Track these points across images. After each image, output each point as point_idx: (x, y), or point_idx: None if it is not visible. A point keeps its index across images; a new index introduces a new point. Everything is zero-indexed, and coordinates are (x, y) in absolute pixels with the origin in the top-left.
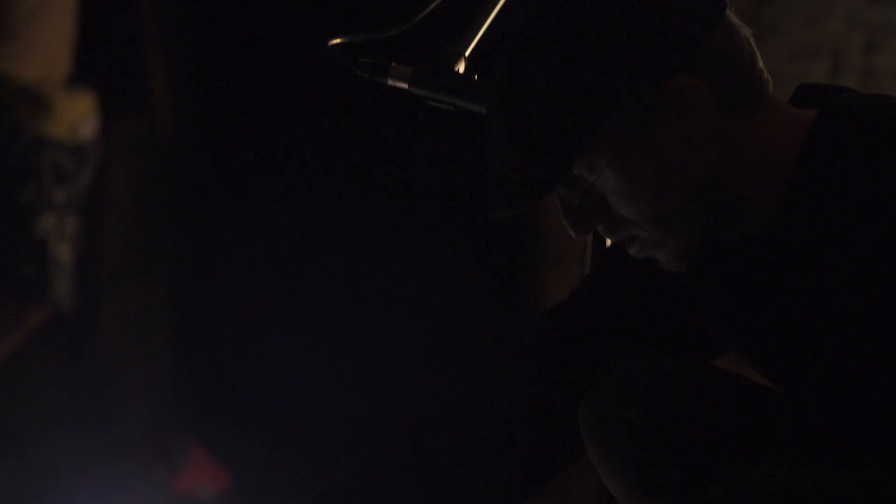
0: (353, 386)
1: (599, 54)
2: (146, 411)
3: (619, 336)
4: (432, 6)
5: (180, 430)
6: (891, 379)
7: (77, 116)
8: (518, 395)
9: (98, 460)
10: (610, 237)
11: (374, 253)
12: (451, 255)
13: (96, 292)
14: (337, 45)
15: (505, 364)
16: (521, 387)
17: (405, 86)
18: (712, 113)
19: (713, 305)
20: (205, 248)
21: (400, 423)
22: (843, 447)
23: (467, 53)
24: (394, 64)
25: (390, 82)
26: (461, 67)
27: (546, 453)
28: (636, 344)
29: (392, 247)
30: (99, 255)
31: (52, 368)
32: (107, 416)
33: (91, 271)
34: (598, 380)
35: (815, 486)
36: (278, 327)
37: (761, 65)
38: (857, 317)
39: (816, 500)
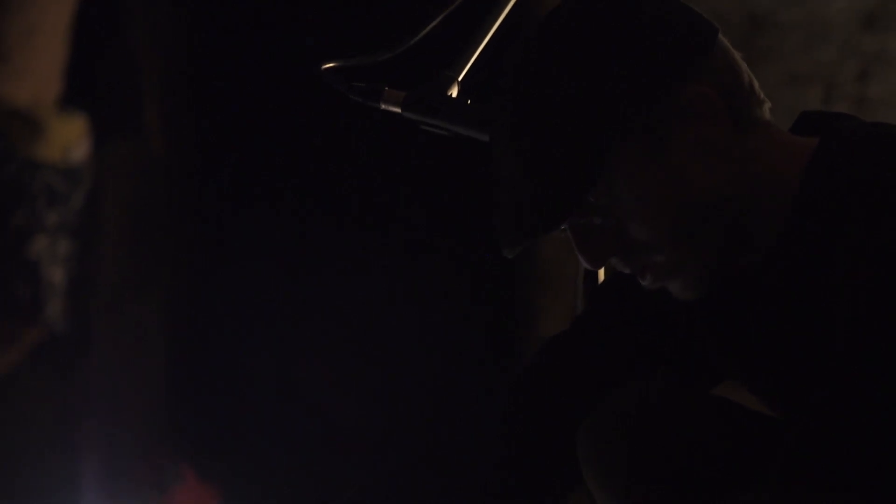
0: (348, 411)
1: (612, 70)
2: (138, 432)
3: (619, 366)
4: (426, 30)
5: (172, 450)
6: (892, 407)
7: (69, 138)
8: (518, 424)
9: (89, 481)
10: (625, 268)
11: (368, 276)
12: (445, 278)
13: (89, 314)
14: (330, 68)
15: (505, 394)
16: (521, 416)
17: (398, 110)
18: (725, 122)
19: (714, 333)
20: (199, 270)
21: (397, 454)
22: (841, 474)
23: (460, 78)
24: (387, 88)
25: (383, 106)
26: (454, 92)
27: (546, 482)
28: (636, 373)
29: (385, 271)
30: (92, 277)
31: (43, 390)
32: (99, 438)
33: (84, 293)
34: (596, 408)
35: None
36: (273, 350)
37: (758, 86)
38: (860, 345)
39: None
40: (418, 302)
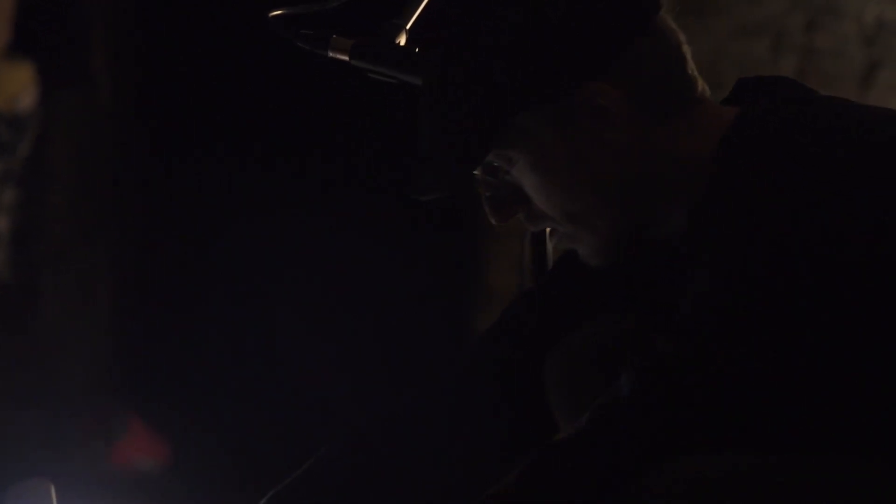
0: (294, 360)
1: (519, 54)
2: (85, 383)
3: (583, 318)
4: None
5: (119, 402)
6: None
7: (15, 87)
8: (484, 375)
9: (36, 432)
10: (530, 227)
11: (317, 227)
12: (391, 232)
13: (36, 264)
14: (278, 16)
15: (475, 345)
16: (489, 366)
17: (345, 58)
18: (626, 119)
19: (637, 299)
20: (147, 221)
21: (349, 408)
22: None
23: (408, 26)
24: (334, 36)
25: (331, 54)
26: (402, 40)
27: (516, 432)
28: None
29: (335, 225)
30: (38, 227)
31: None
32: (46, 387)
33: (30, 243)
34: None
35: (750, 472)
36: (220, 302)
37: (691, 69)
38: (695, 314)
39: (751, 485)
40: (366, 255)
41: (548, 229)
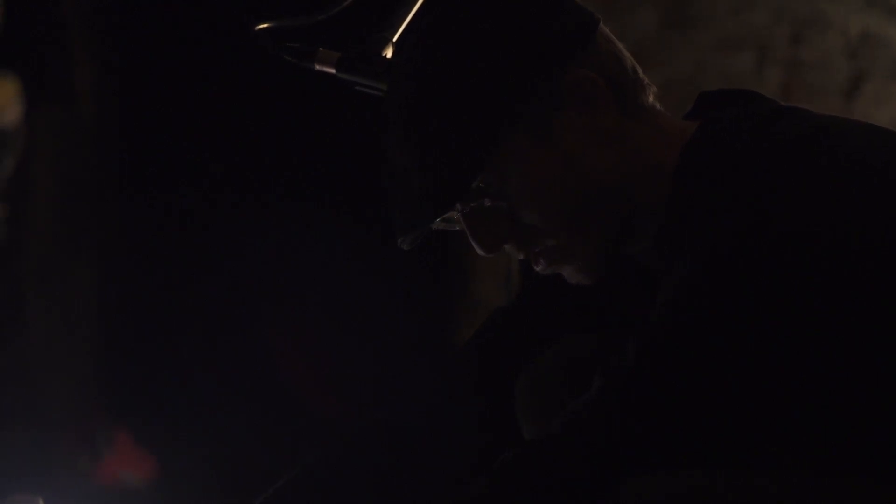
0: (279, 371)
1: (496, 56)
2: (71, 398)
3: (559, 334)
4: None
5: (105, 416)
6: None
7: (0, 102)
8: (464, 386)
9: (22, 447)
10: (518, 254)
11: (300, 241)
12: (377, 242)
13: (20, 279)
14: (264, 29)
15: (454, 357)
16: (466, 379)
17: (332, 70)
18: (611, 107)
19: (610, 314)
20: (130, 236)
21: (335, 419)
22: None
23: (395, 38)
24: (321, 49)
25: (317, 67)
26: (388, 52)
27: (493, 443)
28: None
29: (320, 236)
30: (23, 242)
31: None
32: (32, 403)
33: (15, 258)
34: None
35: (716, 490)
36: (204, 316)
37: (642, 75)
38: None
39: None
40: (352, 266)
41: (531, 258)
